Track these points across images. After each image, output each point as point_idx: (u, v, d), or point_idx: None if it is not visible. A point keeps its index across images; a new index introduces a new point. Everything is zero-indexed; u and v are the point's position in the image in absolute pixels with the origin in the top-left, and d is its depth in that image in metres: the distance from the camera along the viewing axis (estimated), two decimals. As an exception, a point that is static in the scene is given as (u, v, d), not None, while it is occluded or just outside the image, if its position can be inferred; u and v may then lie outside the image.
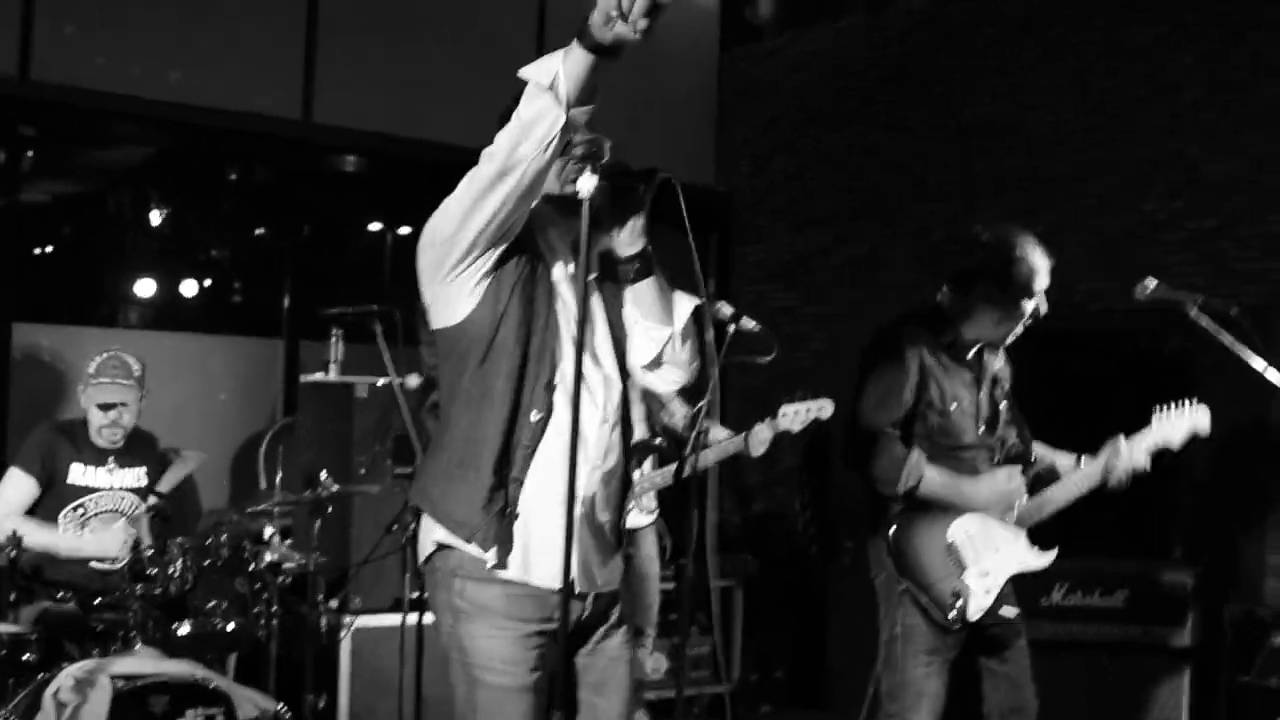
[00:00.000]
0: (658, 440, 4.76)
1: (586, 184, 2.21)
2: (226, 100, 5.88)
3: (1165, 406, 3.66)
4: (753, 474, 7.24)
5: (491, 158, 2.33)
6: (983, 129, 6.53)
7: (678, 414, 4.85)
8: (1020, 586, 3.67)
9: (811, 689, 6.09)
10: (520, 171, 2.31)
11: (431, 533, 2.55)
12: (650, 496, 4.72)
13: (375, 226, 7.12)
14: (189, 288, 6.60)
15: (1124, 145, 5.96)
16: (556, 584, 2.38)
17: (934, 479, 3.53)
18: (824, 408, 4.53)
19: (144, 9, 5.73)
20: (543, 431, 2.48)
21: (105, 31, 5.64)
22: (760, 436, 4.54)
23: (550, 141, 2.27)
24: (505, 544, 2.47)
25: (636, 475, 4.64)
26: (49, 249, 6.29)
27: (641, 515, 4.72)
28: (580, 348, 2.30)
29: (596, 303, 2.62)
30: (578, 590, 2.49)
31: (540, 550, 2.48)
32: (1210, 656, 4.93)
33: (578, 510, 2.37)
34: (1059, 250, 6.01)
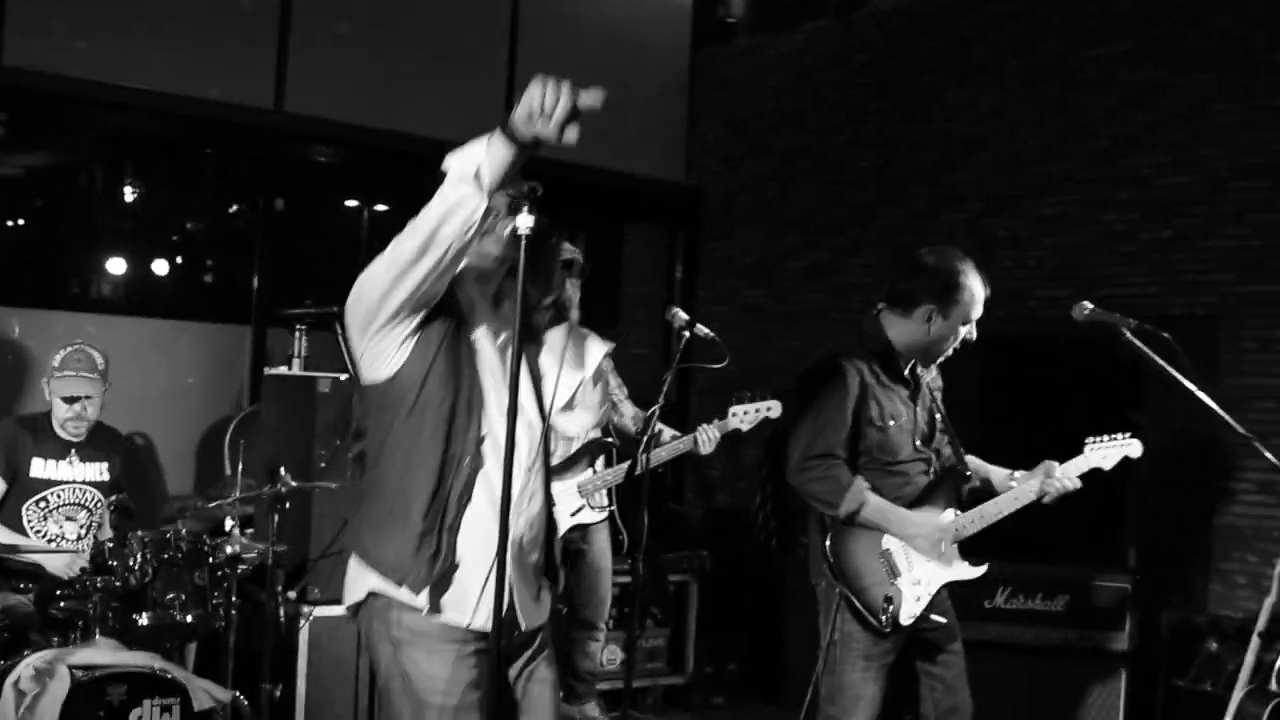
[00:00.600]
0: (609, 439, 4.87)
1: (524, 221, 2.29)
2: (199, 88, 5.91)
3: (1099, 439, 3.72)
4: (714, 469, 7.33)
5: (416, 234, 2.41)
6: (949, 136, 6.62)
7: (628, 415, 4.97)
8: (964, 589, 3.77)
9: (767, 682, 6.20)
10: (443, 250, 2.40)
11: (365, 579, 2.61)
12: (602, 494, 4.83)
13: (347, 214, 7.15)
14: (159, 273, 6.65)
15: (1085, 158, 6.07)
16: (489, 627, 2.47)
17: (874, 506, 3.62)
18: (772, 408, 4.68)
19: (118, -3, 5.77)
20: (473, 480, 2.56)
21: (79, 18, 5.66)
22: (708, 435, 4.67)
23: (472, 225, 2.38)
24: (438, 589, 2.55)
25: (589, 474, 4.76)
26: (16, 232, 6.31)
27: (594, 512, 4.83)
28: (515, 388, 2.36)
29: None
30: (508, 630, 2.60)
31: (473, 595, 2.57)
32: (1147, 661, 5.06)
33: (509, 554, 2.44)
34: (1018, 258, 6.17)
